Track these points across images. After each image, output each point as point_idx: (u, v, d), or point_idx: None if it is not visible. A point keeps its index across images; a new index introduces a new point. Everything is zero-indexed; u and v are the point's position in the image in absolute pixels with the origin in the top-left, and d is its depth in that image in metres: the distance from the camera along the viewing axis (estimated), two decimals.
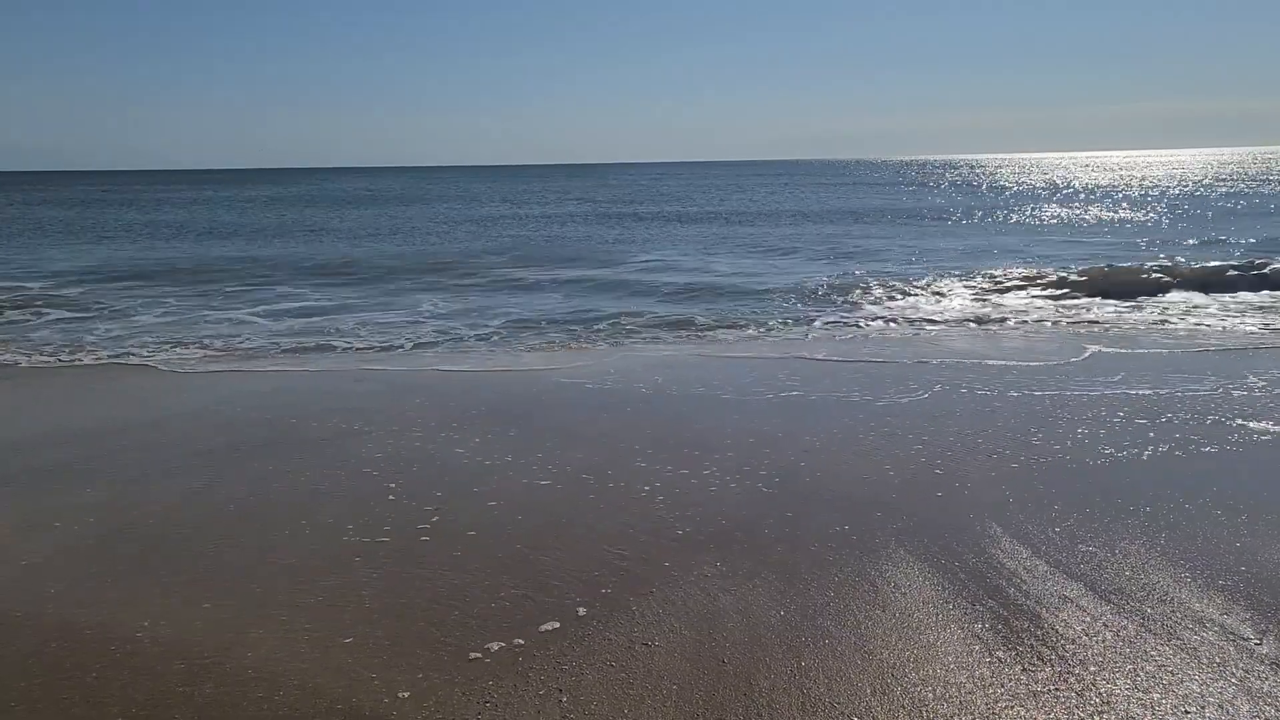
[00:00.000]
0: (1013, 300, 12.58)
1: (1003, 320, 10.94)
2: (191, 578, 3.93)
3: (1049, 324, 10.64)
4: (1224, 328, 10.15)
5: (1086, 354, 8.58)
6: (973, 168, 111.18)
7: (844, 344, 9.59)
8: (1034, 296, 12.79)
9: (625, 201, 45.91)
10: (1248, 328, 10.09)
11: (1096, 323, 10.66)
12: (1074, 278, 13.59)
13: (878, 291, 13.52)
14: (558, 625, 3.46)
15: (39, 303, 13.53)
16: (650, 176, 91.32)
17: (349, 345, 10.13)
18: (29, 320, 12.23)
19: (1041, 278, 13.94)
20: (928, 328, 10.58)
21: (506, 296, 14.39)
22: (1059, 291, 12.98)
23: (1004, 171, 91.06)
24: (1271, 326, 10.13)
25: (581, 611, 3.57)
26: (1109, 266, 14.20)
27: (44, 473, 5.43)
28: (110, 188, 79.24)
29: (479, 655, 3.26)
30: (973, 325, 10.67)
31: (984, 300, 12.61)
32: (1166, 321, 10.61)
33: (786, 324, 11.09)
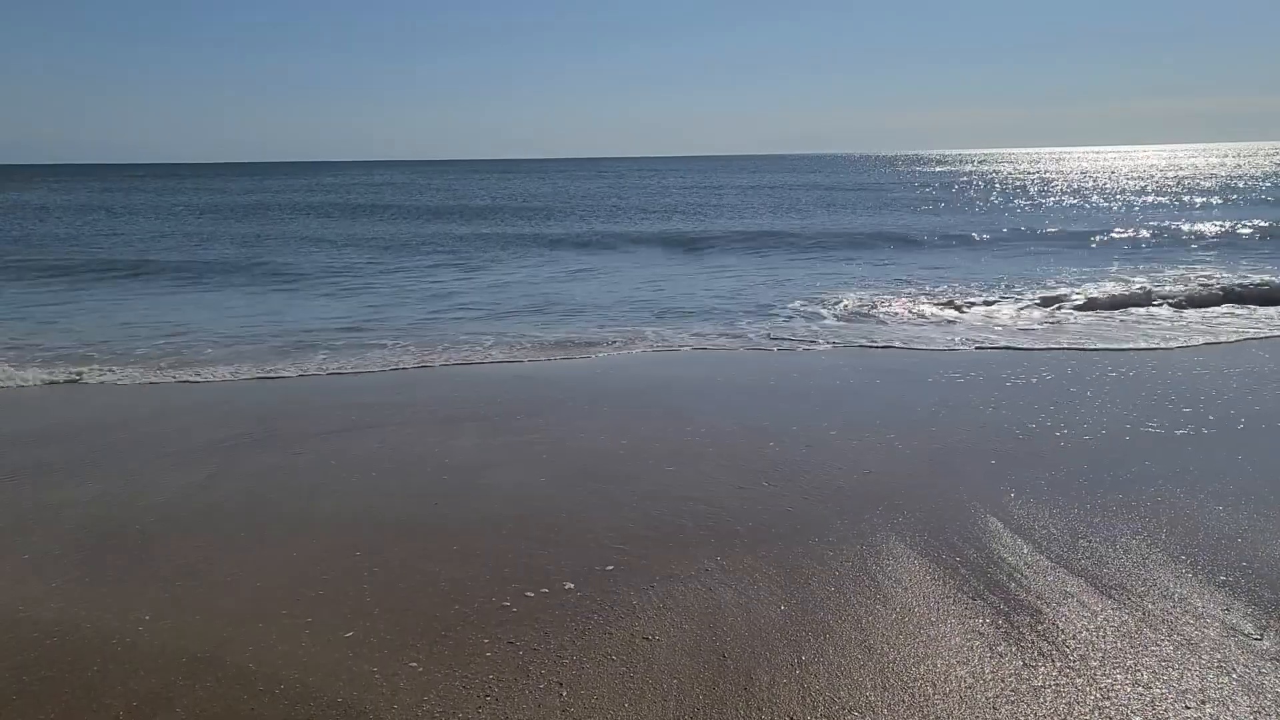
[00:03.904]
0: None
1: None
2: (192, 572, 3.93)
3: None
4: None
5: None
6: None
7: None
8: None
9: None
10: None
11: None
12: None
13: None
14: (558, 620, 3.46)
15: None
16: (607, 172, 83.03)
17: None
18: None
19: None
20: None
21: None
22: None
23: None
24: None
25: (582, 606, 3.56)
26: None
27: (43, 468, 5.43)
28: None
29: (480, 649, 3.26)
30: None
31: None
32: None
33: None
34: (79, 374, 8.05)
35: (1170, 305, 11.12)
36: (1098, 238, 21.18)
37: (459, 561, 3.99)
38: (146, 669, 3.16)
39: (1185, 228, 22.76)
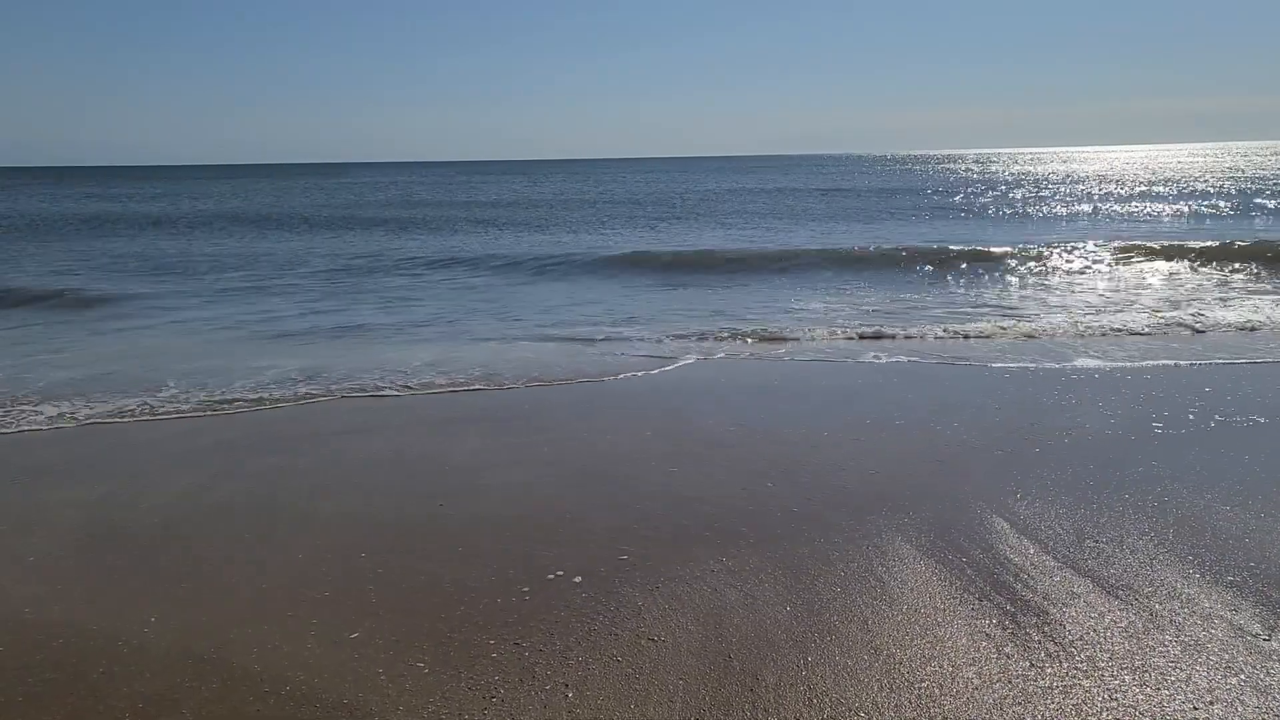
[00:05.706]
0: None
1: None
2: (196, 574, 3.93)
3: None
4: None
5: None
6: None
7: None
8: None
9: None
10: None
11: None
12: None
13: None
14: (564, 621, 3.45)
15: None
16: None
17: None
18: None
19: None
20: None
21: None
22: None
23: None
24: None
25: (587, 607, 3.56)
26: None
27: (46, 469, 5.42)
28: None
29: (485, 650, 3.25)
30: None
31: None
32: None
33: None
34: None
35: None
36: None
37: (463, 562, 3.98)
38: (152, 671, 3.15)
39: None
